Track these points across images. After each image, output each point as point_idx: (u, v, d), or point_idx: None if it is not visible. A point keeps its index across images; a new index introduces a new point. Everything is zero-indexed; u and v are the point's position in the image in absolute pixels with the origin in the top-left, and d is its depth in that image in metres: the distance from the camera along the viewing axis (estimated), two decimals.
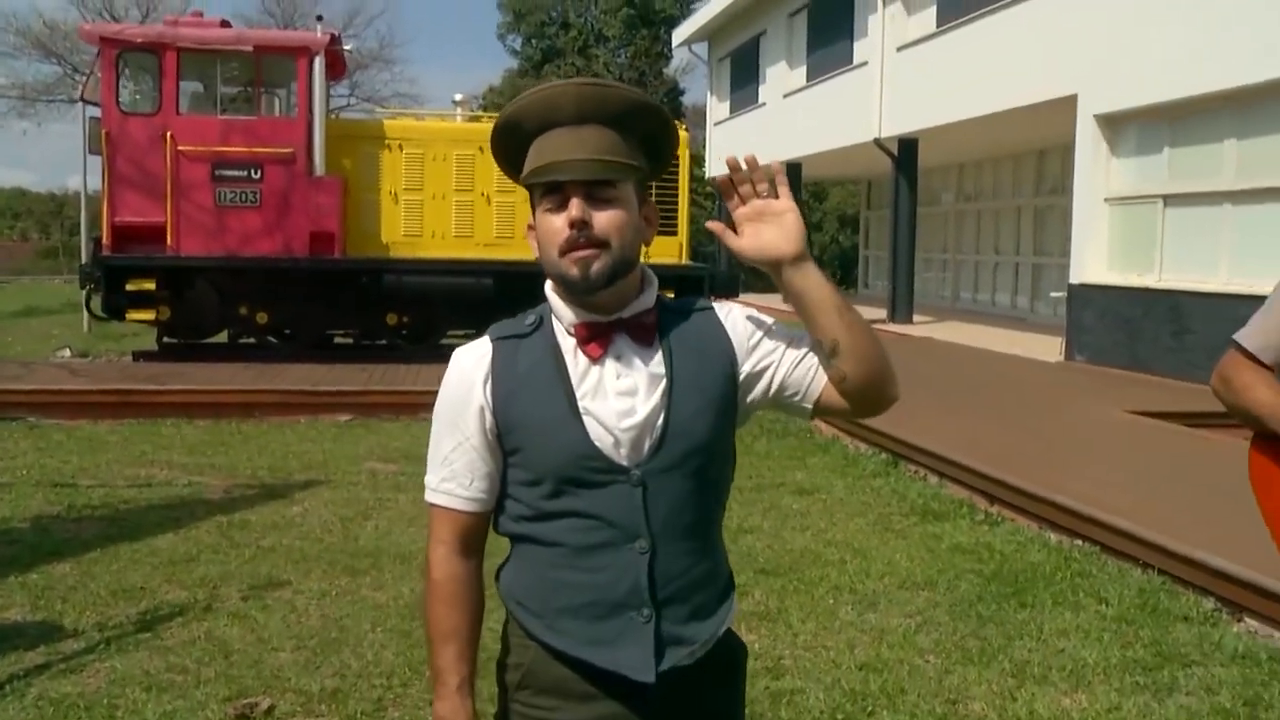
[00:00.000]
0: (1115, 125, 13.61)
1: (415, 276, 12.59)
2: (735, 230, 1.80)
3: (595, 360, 1.78)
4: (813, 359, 1.82)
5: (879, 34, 19.50)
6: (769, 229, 1.77)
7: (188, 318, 12.81)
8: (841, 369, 1.78)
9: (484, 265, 12.69)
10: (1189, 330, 11.99)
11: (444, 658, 1.84)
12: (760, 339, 1.85)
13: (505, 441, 1.80)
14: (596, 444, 1.75)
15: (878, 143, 19.47)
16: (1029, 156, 20.44)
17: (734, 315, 1.87)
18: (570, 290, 1.76)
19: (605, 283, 1.74)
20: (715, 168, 29.67)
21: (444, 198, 12.84)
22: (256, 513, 6.67)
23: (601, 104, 1.74)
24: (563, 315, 1.80)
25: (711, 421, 1.80)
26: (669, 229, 13.05)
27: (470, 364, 1.83)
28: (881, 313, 20.17)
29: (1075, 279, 14.22)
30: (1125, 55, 12.86)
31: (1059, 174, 18.85)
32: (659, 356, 1.79)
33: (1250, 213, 11.55)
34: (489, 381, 1.80)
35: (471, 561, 1.86)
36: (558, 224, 1.73)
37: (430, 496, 1.86)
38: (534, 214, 1.81)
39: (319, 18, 13.39)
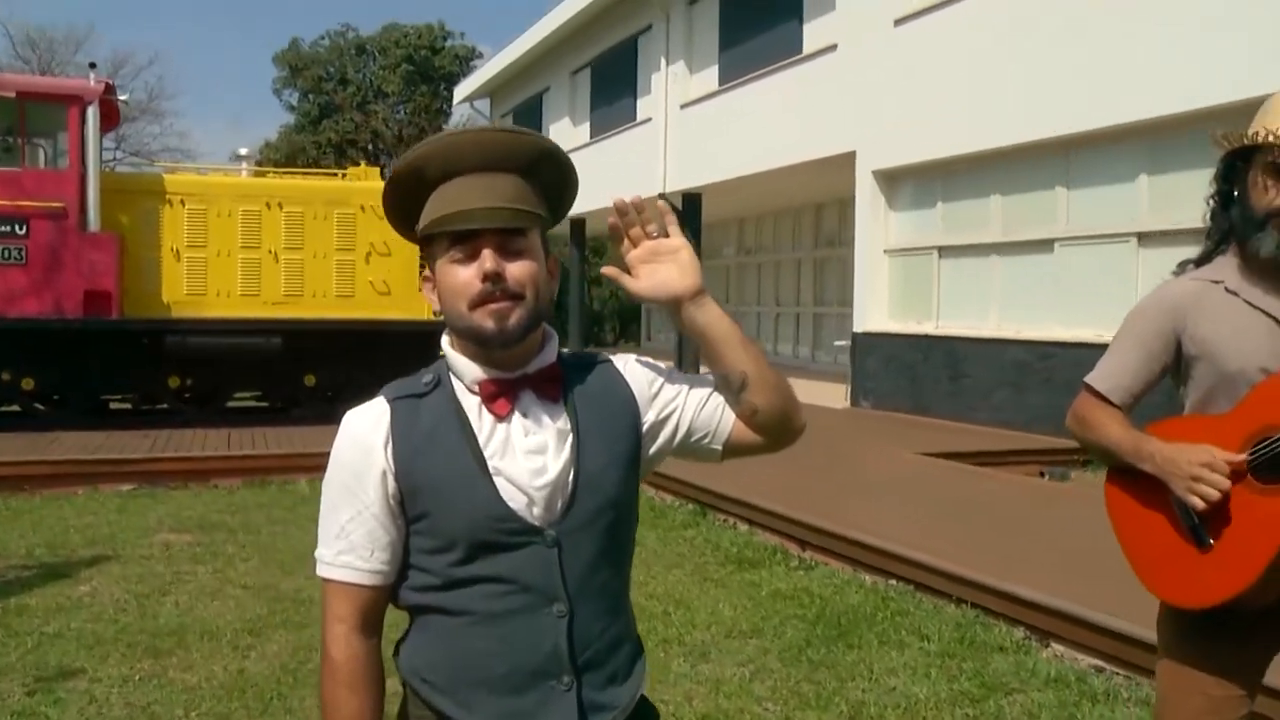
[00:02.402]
0: (892, 181, 14.34)
1: (199, 337, 12.00)
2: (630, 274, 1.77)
3: (502, 418, 1.70)
4: (718, 399, 1.80)
5: (662, 92, 19.99)
6: (664, 268, 1.75)
7: None
8: (753, 402, 1.76)
9: (272, 324, 12.23)
10: (965, 374, 12.66)
11: None
12: (661, 385, 1.81)
13: (409, 507, 1.69)
14: (509, 504, 1.66)
15: (662, 197, 19.87)
16: (808, 210, 21.25)
17: (631, 365, 1.84)
18: (484, 344, 1.68)
19: (521, 335, 1.67)
20: None
21: (229, 255, 12.32)
22: (37, 596, 6.14)
23: (509, 151, 1.68)
24: (464, 372, 1.72)
25: (620, 475, 1.75)
26: None
27: (367, 426, 1.71)
28: (668, 364, 20.46)
29: (859, 327, 14.82)
30: (900, 115, 13.59)
31: (835, 227, 19.70)
32: (564, 412, 1.74)
33: (1014, 263, 12.34)
34: (390, 444, 1.69)
35: (373, 640, 1.74)
36: (466, 276, 1.65)
37: (326, 572, 1.72)
38: (430, 266, 1.73)
39: (92, 65, 12.67)
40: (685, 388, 1.82)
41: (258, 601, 5.97)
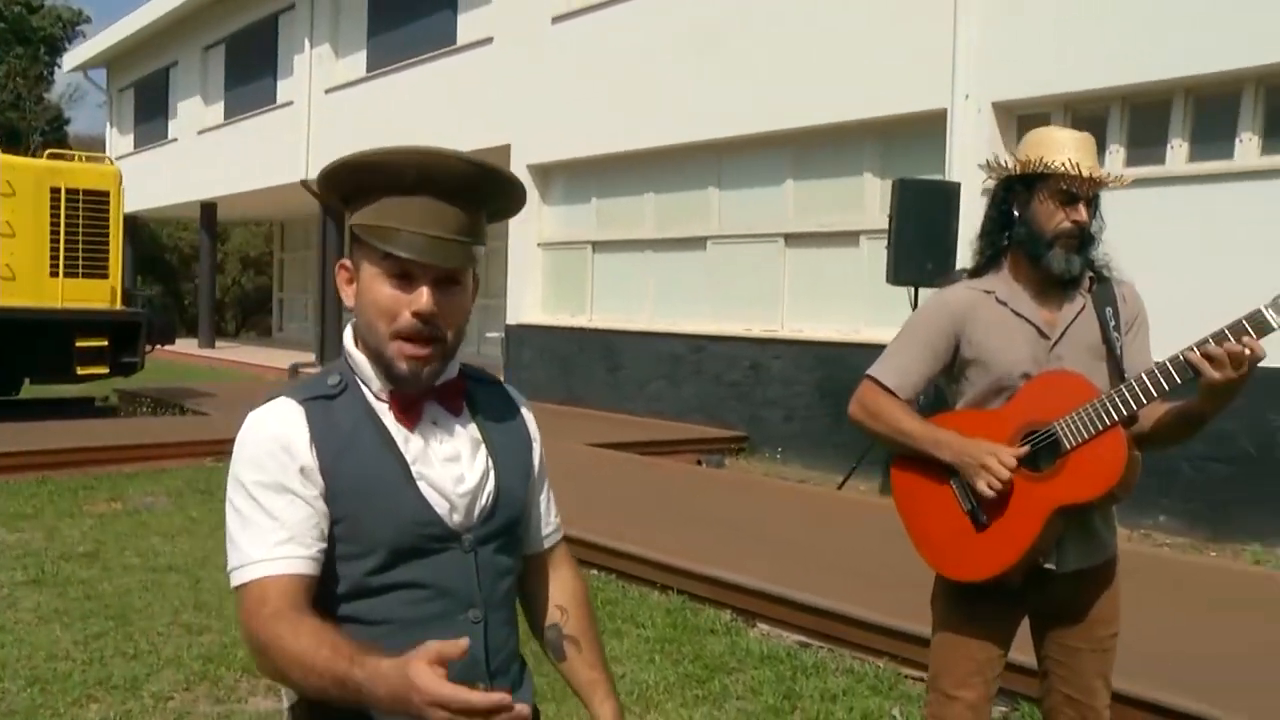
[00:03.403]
0: (546, 175, 14.57)
1: None
2: None
3: (411, 429, 1.70)
4: (548, 526, 1.94)
5: (306, 75, 19.27)
6: None
7: None
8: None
9: None
10: (621, 366, 13.10)
11: (321, 659, 1.45)
12: (542, 457, 1.91)
13: (331, 509, 1.62)
14: (435, 509, 1.66)
15: (304, 184, 19.17)
16: None
17: (525, 406, 1.90)
18: (392, 382, 1.68)
19: (432, 384, 1.69)
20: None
21: None
22: None
23: (470, 183, 1.65)
24: (370, 379, 1.71)
25: (524, 494, 1.83)
26: (99, 271, 11.92)
27: (285, 423, 1.63)
28: (309, 355, 19.82)
29: (512, 319, 14.96)
30: (556, 111, 13.83)
31: None
32: (471, 424, 1.77)
33: (669, 259, 12.91)
34: (313, 443, 1.61)
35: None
36: (396, 300, 1.63)
37: (259, 570, 1.55)
38: (351, 257, 1.68)
39: None
40: (548, 491, 1.95)
41: None
